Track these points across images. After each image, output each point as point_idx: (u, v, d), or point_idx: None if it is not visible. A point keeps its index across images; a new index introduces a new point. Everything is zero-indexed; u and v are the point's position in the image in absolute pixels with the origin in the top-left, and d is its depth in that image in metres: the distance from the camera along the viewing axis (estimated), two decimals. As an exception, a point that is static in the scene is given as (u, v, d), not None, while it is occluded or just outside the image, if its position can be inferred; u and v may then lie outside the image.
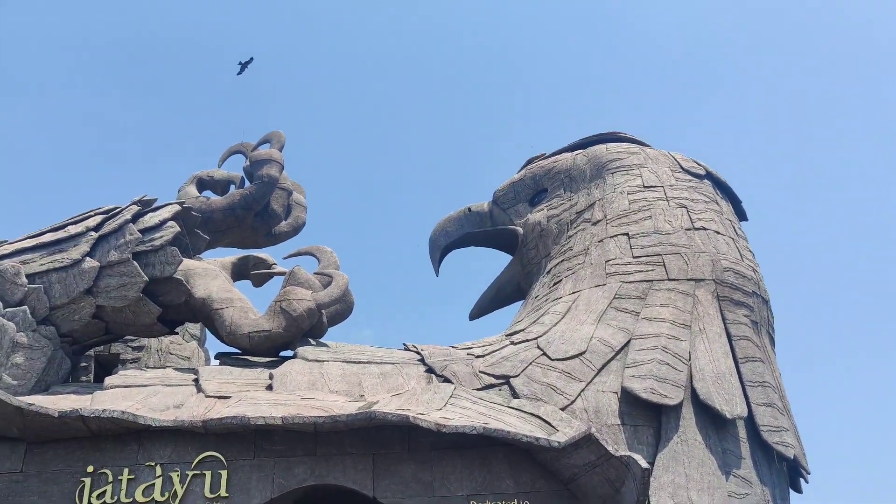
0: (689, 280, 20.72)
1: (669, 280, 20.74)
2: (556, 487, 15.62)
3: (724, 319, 20.36)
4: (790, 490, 20.94)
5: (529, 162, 27.16)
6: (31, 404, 15.49)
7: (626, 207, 22.85)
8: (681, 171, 24.23)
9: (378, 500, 15.77)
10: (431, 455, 16.12)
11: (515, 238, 25.76)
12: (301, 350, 19.81)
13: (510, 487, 15.72)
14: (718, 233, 22.22)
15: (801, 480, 21.16)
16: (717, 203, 23.56)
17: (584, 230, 23.15)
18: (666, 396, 17.93)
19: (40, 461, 15.81)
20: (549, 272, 23.37)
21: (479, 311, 28.24)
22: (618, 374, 18.46)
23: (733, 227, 23.22)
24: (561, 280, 22.30)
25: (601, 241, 22.35)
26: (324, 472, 15.95)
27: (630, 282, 20.85)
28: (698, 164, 24.77)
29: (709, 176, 24.53)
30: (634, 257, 21.45)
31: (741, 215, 25.21)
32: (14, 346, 18.58)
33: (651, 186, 23.38)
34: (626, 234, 22.11)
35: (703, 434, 18.07)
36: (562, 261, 22.98)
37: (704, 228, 22.11)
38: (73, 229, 20.31)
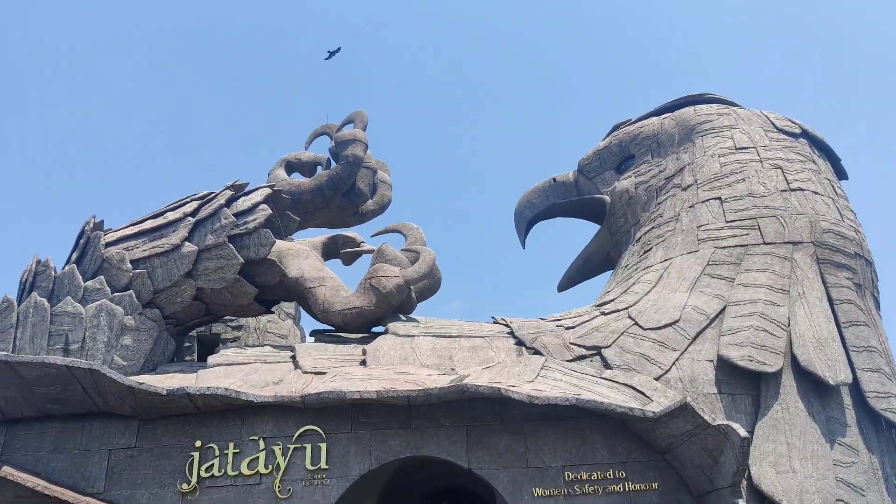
0: (786, 243, 19.98)
1: (765, 244, 20.03)
2: (653, 457, 15.46)
3: (824, 283, 19.55)
4: (901, 458, 20.09)
5: (615, 128, 26.61)
6: (141, 383, 16.31)
7: (717, 171, 22.14)
8: (774, 130, 23.27)
9: (473, 471, 15.97)
10: (524, 426, 16.19)
11: (603, 207, 25.35)
12: (392, 325, 20.14)
13: (605, 458, 15.65)
14: (816, 193, 21.29)
15: (914, 448, 20.29)
16: (814, 162, 22.54)
17: (674, 196, 22.59)
18: (765, 364, 17.41)
19: (152, 437, 16.68)
20: (638, 240, 22.95)
21: (567, 283, 28.00)
22: (713, 342, 18.03)
23: (832, 187, 22.19)
24: (651, 248, 21.87)
25: (692, 206, 21.76)
26: (419, 443, 16.25)
27: (724, 247, 20.25)
28: (793, 123, 23.72)
29: (805, 134, 23.47)
30: (728, 222, 20.81)
31: (841, 174, 24.03)
32: (122, 329, 19.54)
33: (743, 148, 22.56)
34: (719, 199, 21.45)
35: (805, 402, 17.48)
36: (651, 228, 22.51)
37: (801, 189, 21.22)
38: (171, 215, 21.11)
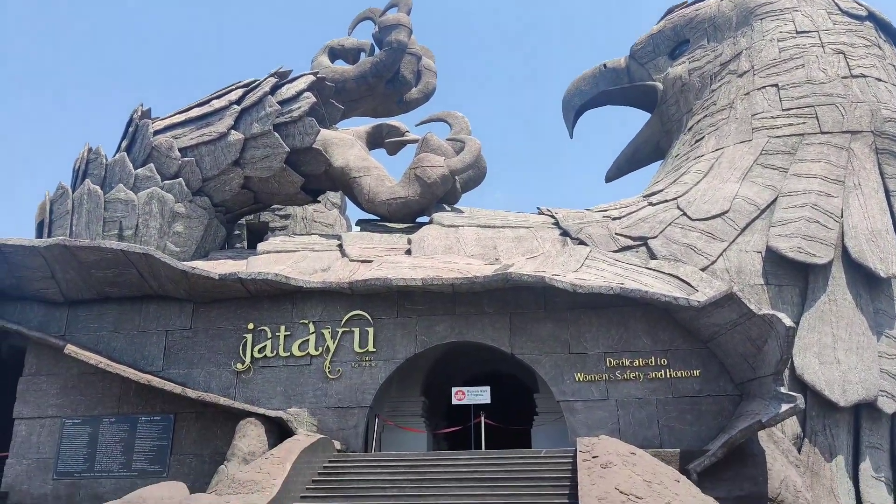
0: (844, 133, 19.26)
1: (822, 133, 19.35)
2: (695, 346, 15.56)
3: (881, 174, 18.94)
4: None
5: (669, 11, 25.45)
6: (194, 268, 16.79)
7: (775, 56, 21.19)
8: (839, 12, 22.02)
9: (516, 356, 16.32)
10: (567, 315, 16.37)
11: (654, 94, 24.61)
12: (437, 216, 20.23)
13: (647, 346, 15.80)
14: (880, 80, 20.32)
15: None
16: (879, 47, 21.39)
17: (730, 83, 21.78)
18: (814, 255, 17.16)
19: (206, 319, 17.31)
20: (690, 129, 22.35)
21: (615, 173, 27.60)
22: (763, 234, 17.76)
23: (898, 73, 21.13)
24: (703, 137, 21.30)
25: (748, 93, 20.99)
26: (463, 329, 16.59)
27: (778, 136, 19.63)
28: (859, 5, 22.38)
29: (871, 17, 22.16)
30: (784, 110, 20.08)
31: (908, 59, 22.85)
32: (174, 216, 19.99)
33: (804, 32, 21.47)
34: (776, 86, 20.62)
35: (854, 293, 17.29)
36: (704, 116, 21.86)
37: (864, 76, 20.25)
38: (217, 103, 21.15)
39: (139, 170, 20.40)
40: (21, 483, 16.20)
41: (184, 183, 20.38)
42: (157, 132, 21.04)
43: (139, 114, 21.43)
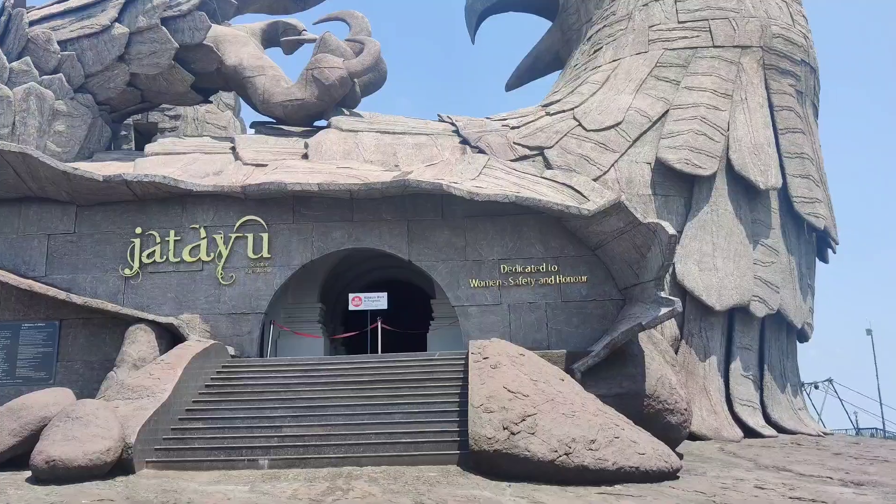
0: (735, 47, 19.78)
1: (714, 47, 19.82)
2: (584, 253, 16.10)
3: (767, 89, 19.66)
4: (817, 260, 21.36)
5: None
6: (76, 169, 15.97)
7: (674, -32, 21.33)
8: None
9: (413, 263, 16.47)
10: (464, 222, 16.56)
11: (556, 2, 24.49)
12: (335, 120, 19.79)
13: (539, 253, 16.23)
14: (772, -5, 20.82)
15: (829, 251, 21.51)
16: (773, -37, 21.81)
17: (629, -7, 21.86)
18: (700, 167, 17.84)
19: (91, 223, 16.60)
20: (589, 39, 22.45)
21: (515, 81, 27.59)
22: (653, 145, 18.27)
23: (788, -10, 21.70)
24: (601, 47, 21.46)
25: (646, 4, 21.15)
26: (361, 236, 16.56)
27: (673, 49, 19.99)
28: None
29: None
30: (680, 22, 20.39)
31: (798, -24, 23.45)
32: (54, 114, 18.83)
33: (703, -56, 21.63)
34: (673, -3, 20.86)
35: (735, 204, 18.16)
36: (603, 27, 21.96)
37: (757, -9, 20.71)
38: (98, -7, 19.75)
39: (14, 63, 19.01)
40: None
41: (64, 79, 19.14)
42: (32, 23, 19.55)
43: (12, 1, 19.79)
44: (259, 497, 8.99)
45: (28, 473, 10.04)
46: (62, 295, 15.30)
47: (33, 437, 10.62)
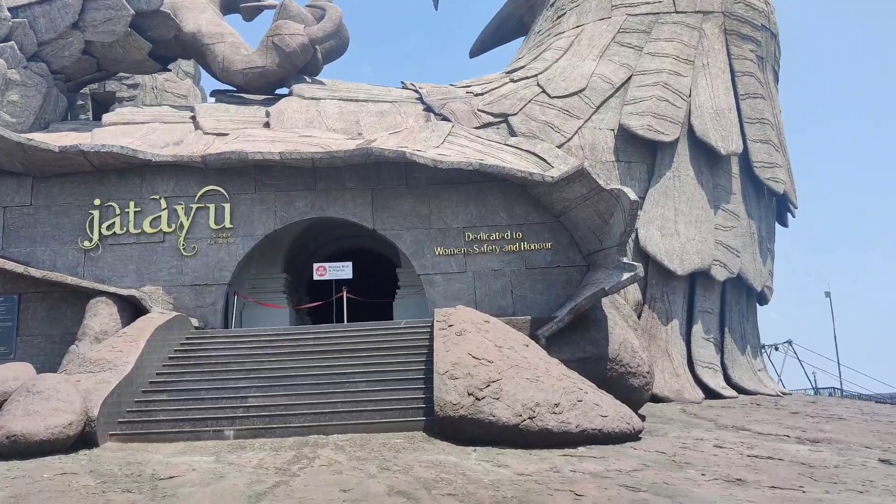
0: (697, 12, 19.84)
1: (677, 13, 19.86)
2: (548, 220, 16.17)
3: (728, 55, 19.78)
4: (777, 224, 21.71)
5: None
6: (30, 139, 15.60)
7: (637, -68, 21.24)
8: None
9: (378, 232, 16.43)
10: (428, 190, 16.50)
11: (519, -33, 24.30)
12: (297, 88, 19.52)
13: (504, 220, 16.27)
14: (734, -40, 20.86)
15: (789, 215, 21.88)
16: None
17: (592, -42, 21.73)
18: (662, 133, 17.96)
19: (48, 195, 16.26)
20: (552, 5, 22.32)
21: (479, 48, 27.41)
22: (616, 112, 18.34)
23: (750, -45, 21.73)
24: (565, 13, 21.36)
25: (609, -31, 21.06)
26: (324, 205, 16.44)
27: (636, 14, 19.99)
28: None
29: None
30: (642, -12, 20.36)
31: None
32: (7, 84, 18.30)
33: None
34: (636, -38, 20.79)
35: (696, 170, 18.34)
36: (567, -8, 21.84)
37: (719, -45, 20.73)
38: (49, -43, 19.12)
39: (-38, 31, 18.40)
40: None
41: (16, 47, 18.58)
42: (-21, -12, 18.90)
43: (-43, -34, 19.09)
44: (225, 467, 9.00)
45: (-11, 449, 9.92)
46: (20, 269, 15.04)
47: (-7, 413, 10.48)
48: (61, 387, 10.55)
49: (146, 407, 11.80)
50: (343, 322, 16.56)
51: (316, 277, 17.10)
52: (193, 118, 18.24)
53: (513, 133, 17.97)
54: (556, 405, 10.63)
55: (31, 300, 15.57)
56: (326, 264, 17.17)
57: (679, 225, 17.59)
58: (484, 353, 11.52)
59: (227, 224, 16.08)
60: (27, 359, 14.39)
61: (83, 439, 10.23)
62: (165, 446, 10.44)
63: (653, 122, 17.96)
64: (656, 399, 15.70)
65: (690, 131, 18.36)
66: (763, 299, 20.85)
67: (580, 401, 10.89)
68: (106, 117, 18.71)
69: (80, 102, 23.45)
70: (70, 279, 15.04)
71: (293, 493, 7.74)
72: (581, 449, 10.11)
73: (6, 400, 10.55)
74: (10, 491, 7.94)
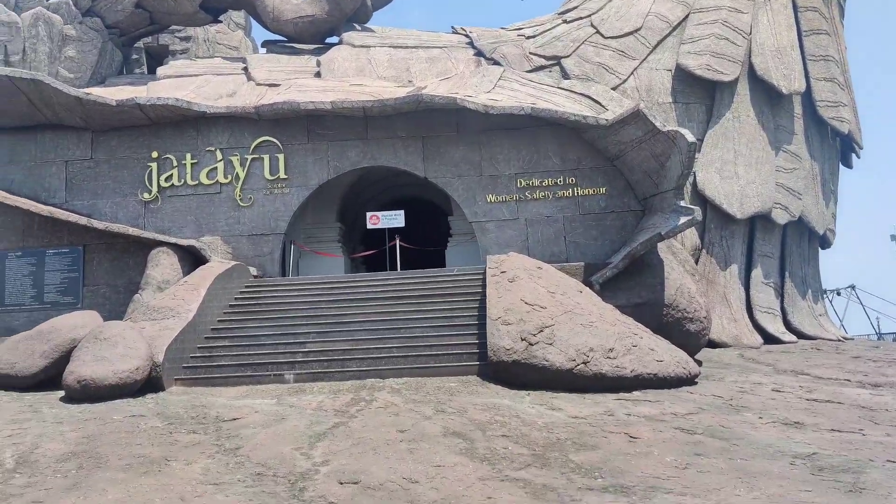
0: (758, -55, 19.00)
1: (736, -54, 19.03)
2: (602, 164, 15.91)
3: (791, -12, 18.96)
4: (840, 165, 20.99)
5: None
6: (88, 94, 15.90)
7: None
8: None
9: (429, 180, 16.40)
10: (480, 137, 16.36)
11: None
12: (347, 36, 19.41)
13: (556, 165, 16.07)
14: None
15: (853, 156, 21.12)
16: None
17: None
18: (721, 73, 17.39)
19: (107, 149, 16.62)
20: (606, -58, 21.59)
21: (530, -10, 26.79)
22: (673, 51, 17.79)
23: None
24: (619, -50, 20.64)
25: None
26: (376, 154, 16.46)
27: (693, -51, 19.21)
28: None
29: None
30: (701, -80, 19.53)
31: None
32: (64, 40, 18.65)
33: None
34: None
35: (757, 110, 17.77)
36: (621, -72, 21.09)
37: None
38: (99, -89, 19.25)
39: (19, -12, 18.75)
40: (-71, 320, 15.90)
41: (71, 2, 18.89)
42: (33, -56, 19.15)
43: (11, -77, 19.36)
44: (286, 409, 9.25)
45: (61, 393, 10.37)
46: (83, 221, 15.46)
47: (63, 359, 10.91)
48: (127, 333, 10.92)
49: (209, 353, 12.15)
50: (396, 270, 16.69)
51: (369, 226, 17.22)
52: (246, 69, 18.34)
53: (566, 76, 17.62)
54: (611, 350, 10.59)
55: (96, 251, 16.05)
56: (379, 213, 17.26)
57: (739, 167, 17.13)
58: (537, 299, 11.49)
59: (282, 175, 16.25)
60: (93, 308, 14.91)
61: (149, 384, 10.62)
62: (228, 390, 10.77)
63: (711, 61, 17.39)
64: (714, 345, 15.53)
65: (751, 70, 17.74)
66: (825, 243, 20.29)
67: (635, 346, 10.83)
68: (160, 70, 18.94)
69: (134, 57, 23.74)
70: (132, 230, 15.42)
71: (352, 434, 7.92)
72: (636, 393, 10.09)
73: (75, 346, 10.97)
74: (82, 432, 8.31)
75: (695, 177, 16.75)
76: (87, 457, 7.39)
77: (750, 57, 17.76)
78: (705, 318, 13.76)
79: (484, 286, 12.95)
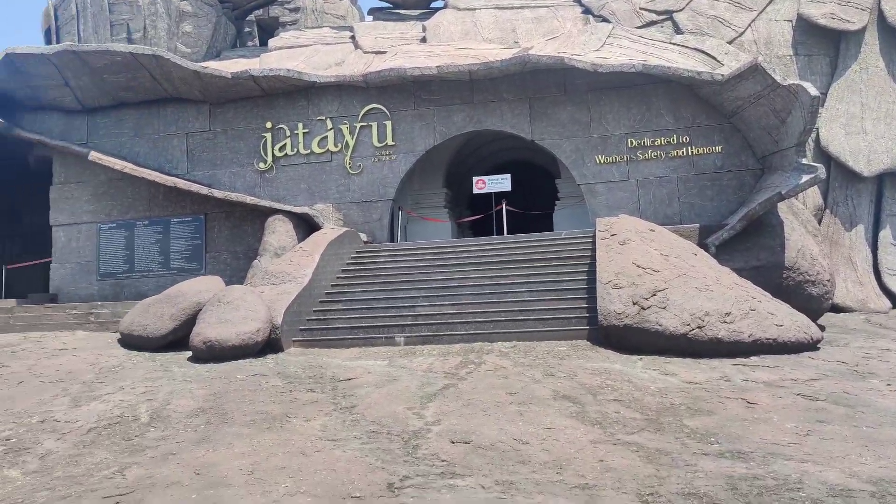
0: None
1: None
2: (718, 121, 15.28)
3: (929, -75, 17.46)
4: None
5: None
6: (205, 67, 16.50)
7: None
8: None
9: (536, 142, 16.22)
10: (588, 97, 16.02)
11: None
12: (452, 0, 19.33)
13: (669, 124, 15.55)
14: None
15: None
16: None
17: None
18: (847, 21, 16.30)
19: (224, 120, 17.26)
20: None
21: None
22: (794, 0, 16.81)
23: None
24: None
25: None
26: (482, 118, 16.39)
27: None
28: None
29: None
30: None
31: None
32: (181, 15, 19.39)
33: None
34: None
35: (887, 60, 16.58)
36: None
37: None
38: None
39: (136, -34, 19.56)
40: (67, 285, 17.09)
41: (186, -21, 19.61)
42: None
43: None
44: (397, 371, 9.46)
45: (188, 353, 10.98)
46: (204, 190, 16.17)
47: (190, 321, 11.55)
48: (248, 297, 11.42)
49: (323, 315, 12.54)
50: (503, 234, 16.66)
51: (475, 191, 17.21)
52: (353, 38, 18.58)
53: (678, 31, 16.97)
54: (727, 314, 10.24)
55: (216, 219, 16.78)
56: (485, 177, 17.23)
57: (866, 122, 16.09)
58: (649, 262, 11.23)
59: (390, 141, 16.45)
60: (215, 273, 15.72)
61: (269, 345, 11.09)
62: (342, 351, 11.10)
63: (836, 9, 16.33)
64: (838, 309, 14.80)
65: (880, 17, 16.54)
66: (964, 201, 18.84)
67: (753, 310, 10.43)
68: (271, 42, 19.44)
69: (246, 30, 24.48)
70: (249, 199, 16.00)
71: (462, 395, 8.02)
72: (754, 358, 9.74)
73: (200, 310, 11.57)
74: (209, 389, 8.78)
75: (818, 133, 15.88)
76: (214, 413, 7.81)
77: (879, 3, 16.55)
78: (828, 281, 13.10)
79: (593, 249, 12.76)
